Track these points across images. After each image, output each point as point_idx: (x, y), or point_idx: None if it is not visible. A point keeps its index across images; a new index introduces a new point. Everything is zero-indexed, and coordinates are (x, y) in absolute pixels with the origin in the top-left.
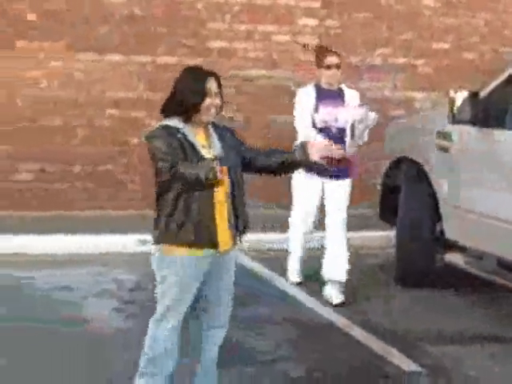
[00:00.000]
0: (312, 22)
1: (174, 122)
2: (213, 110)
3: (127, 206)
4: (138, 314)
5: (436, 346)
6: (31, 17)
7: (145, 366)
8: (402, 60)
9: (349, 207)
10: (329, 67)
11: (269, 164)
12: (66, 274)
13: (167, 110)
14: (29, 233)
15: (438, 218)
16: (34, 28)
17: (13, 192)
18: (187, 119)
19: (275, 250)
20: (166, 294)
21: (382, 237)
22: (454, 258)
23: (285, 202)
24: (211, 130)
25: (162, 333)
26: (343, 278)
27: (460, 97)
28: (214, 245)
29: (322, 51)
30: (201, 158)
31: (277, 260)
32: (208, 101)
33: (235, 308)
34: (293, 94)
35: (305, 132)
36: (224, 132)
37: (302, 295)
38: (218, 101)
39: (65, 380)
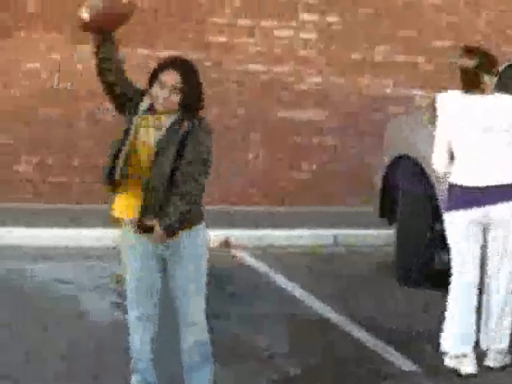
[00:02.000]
0: (313, 17)
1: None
2: (160, 100)
3: None
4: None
5: (434, 346)
6: (31, 7)
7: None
8: (402, 57)
9: (347, 205)
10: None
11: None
12: (63, 267)
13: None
14: (27, 225)
15: (437, 216)
16: (35, 18)
17: (12, 183)
18: (150, 106)
19: (274, 246)
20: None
21: (380, 235)
22: None
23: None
24: (169, 120)
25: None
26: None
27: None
28: None
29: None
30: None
31: (275, 256)
32: (154, 90)
33: (232, 304)
34: (293, 90)
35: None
36: (188, 129)
37: (299, 292)
38: (166, 93)
39: (62, 373)
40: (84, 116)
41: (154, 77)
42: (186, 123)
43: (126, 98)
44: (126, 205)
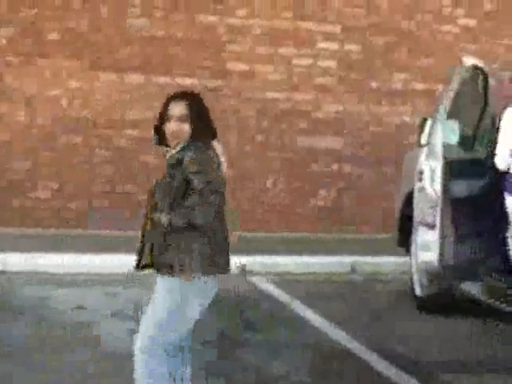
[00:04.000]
0: (332, 45)
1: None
2: (169, 136)
3: None
4: None
5: (452, 375)
6: (53, 36)
7: None
8: (421, 85)
9: (364, 232)
10: None
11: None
12: (81, 293)
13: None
14: (46, 251)
15: None
16: (56, 46)
17: (30, 209)
18: (160, 142)
19: (292, 273)
20: None
21: (398, 262)
22: (470, 287)
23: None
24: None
25: None
26: None
27: (427, 123)
28: None
29: None
30: None
31: (292, 283)
32: (167, 125)
33: (249, 331)
34: (311, 118)
35: None
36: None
37: (318, 320)
38: (174, 126)
39: None
40: (103, 143)
41: (162, 116)
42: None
43: None
44: None
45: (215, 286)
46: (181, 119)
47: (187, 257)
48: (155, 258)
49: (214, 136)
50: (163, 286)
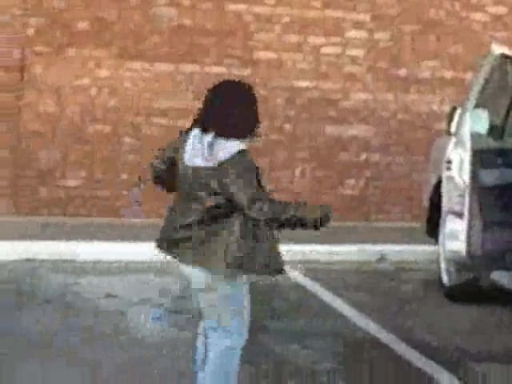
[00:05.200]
0: (361, 34)
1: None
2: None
3: None
4: (184, 324)
5: (482, 364)
6: (82, 25)
7: None
8: (450, 73)
9: (392, 221)
10: None
11: None
12: (112, 281)
13: (241, 131)
14: (77, 239)
15: None
16: (85, 36)
17: (61, 198)
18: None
19: (320, 262)
20: None
21: (427, 251)
22: (499, 276)
23: None
24: None
25: None
26: None
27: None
28: None
29: None
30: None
31: (322, 272)
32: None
33: (277, 319)
34: (340, 106)
35: None
36: None
37: (345, 308)
38: None
39: None
40: (131, 132)
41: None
42: None
43: None
44: None
45: None
46: None
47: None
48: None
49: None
50: (242, 287)
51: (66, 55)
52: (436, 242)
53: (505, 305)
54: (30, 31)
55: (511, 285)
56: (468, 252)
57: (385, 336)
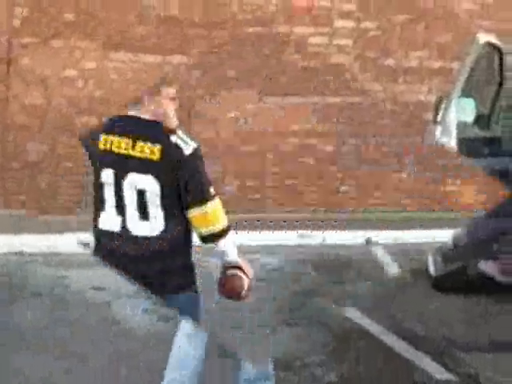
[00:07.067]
0: (348, 23)
1: None
2: None
3: None
4: (170, 316)
5: (470, 354)
6: (67, 16)
7: None
8: (438, 63)
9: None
10: None
11: None
12: (98, 273)
13: None
14: (63, 232)
15: None
16: (71, 27)
17: (49, 190)
18: None
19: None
20: None
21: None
22: (486, 267)
23: None
24: None
25: None
26: None
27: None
28: None
29: None
30: None
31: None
32: None
33: (265, 311)
34: None
35: None
36: None
37: (331, 300)
38: None
39: (95, 380)
40: None
41: None
42: None
43: None
44: None
45: None
46: None
47: None
48: None
49: None
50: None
51: (53, 46)
52: None
53: (491, 295)
54: (16, 22)
55: (498, 275)
56: (453, 241)
57: (371, 325)
